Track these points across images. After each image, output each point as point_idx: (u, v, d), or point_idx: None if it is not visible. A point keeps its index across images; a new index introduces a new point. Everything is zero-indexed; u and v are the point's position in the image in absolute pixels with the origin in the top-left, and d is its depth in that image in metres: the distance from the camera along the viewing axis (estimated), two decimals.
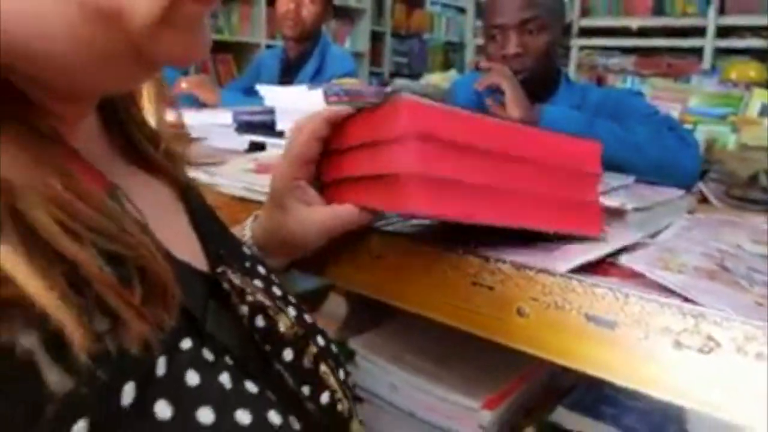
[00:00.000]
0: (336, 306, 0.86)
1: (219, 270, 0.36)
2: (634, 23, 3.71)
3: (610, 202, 0.75)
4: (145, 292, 0.26)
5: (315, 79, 1.73)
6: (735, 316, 0.41)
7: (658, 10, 3.65)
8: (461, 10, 5.19)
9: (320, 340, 0.41)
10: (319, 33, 1.90)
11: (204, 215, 0.42)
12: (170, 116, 0.40)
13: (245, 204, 0.70)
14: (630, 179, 0.94)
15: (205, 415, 0.28)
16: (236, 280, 0.35)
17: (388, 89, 1.22)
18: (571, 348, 0.48)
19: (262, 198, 0.69)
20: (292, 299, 0.42)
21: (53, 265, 0.23)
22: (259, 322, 0.36)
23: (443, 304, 0.54)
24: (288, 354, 0.36)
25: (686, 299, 0.46)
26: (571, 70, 3.94)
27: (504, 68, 1.19)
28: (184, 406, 0.28)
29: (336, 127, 0.53)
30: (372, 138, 0.48)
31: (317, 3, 1.83)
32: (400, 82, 3.47)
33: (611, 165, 1.00)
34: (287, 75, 1.86)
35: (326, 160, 0.55)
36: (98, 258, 0.24)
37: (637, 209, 0.77)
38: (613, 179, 0.90)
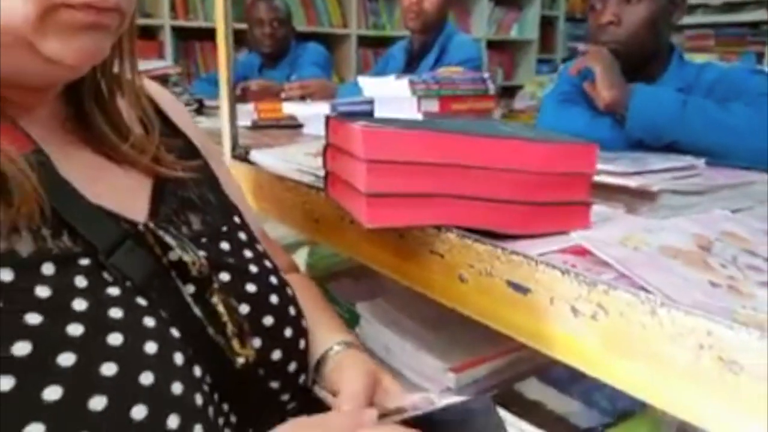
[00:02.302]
0: None
1: (144, 222, 0.47)
2: None
3: (630, 182, 0.72)
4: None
5: (434, 69, 1.78)
6: (624, 286, 0.42)
7: None
8: None
9: (240, 284, 0.49)
10: (442, 23, 1.95)
11: (179, 189, 0.52)
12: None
13: (285, 183, 0.80)
14: (699, 161, 0.88)
15: (79, 303, 0.38)
16: (155, 228, 0.46)
17: (486, 75, 1.24)
18: (498, 312, 0.51)
19: (305, 178, 0.79)
20: (247, 265, 0.51)
21: None
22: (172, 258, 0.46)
23: (408, 269, 0.60)
24: (190, 288, 0.46)
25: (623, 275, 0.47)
26: None
27: (598, 49, 1.14)
28: (61, 294, 0.38)
29: (341, 128, 0.59)
30: (348, 149, 0.55)
31: None
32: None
33: (707, 151, 0.94)
34: (411, 66, 1.93)
35: (330, 149, 0.63)
36: None
37: (671, 191, 0.74)
38: (672, 160, 0.85)
